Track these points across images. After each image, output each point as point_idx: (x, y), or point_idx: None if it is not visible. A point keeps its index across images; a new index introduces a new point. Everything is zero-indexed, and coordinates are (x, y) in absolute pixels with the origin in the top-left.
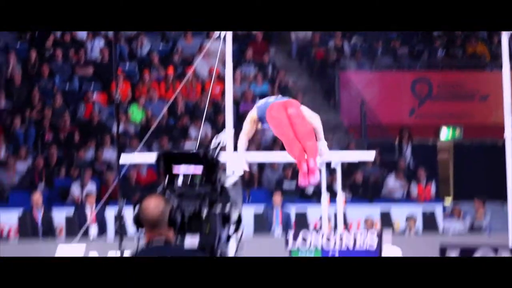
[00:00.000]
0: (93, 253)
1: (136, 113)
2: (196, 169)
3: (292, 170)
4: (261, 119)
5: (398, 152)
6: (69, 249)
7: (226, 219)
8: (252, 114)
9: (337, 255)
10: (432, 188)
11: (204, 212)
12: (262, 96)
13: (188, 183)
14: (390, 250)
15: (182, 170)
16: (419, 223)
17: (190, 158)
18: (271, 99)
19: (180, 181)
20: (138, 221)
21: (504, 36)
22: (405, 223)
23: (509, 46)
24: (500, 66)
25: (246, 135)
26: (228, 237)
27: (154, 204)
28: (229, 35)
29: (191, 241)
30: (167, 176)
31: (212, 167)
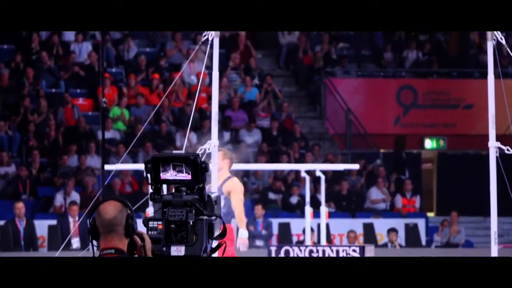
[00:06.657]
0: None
1: (119, 113)
2: (185, 175)
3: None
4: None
5: (382, 162)
6: None
7: (211, 230)
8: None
9: None
10: (417, 200)
11: (191, 221)
12: (251, 102)
13: (175, 190)
14: None
15: (170, 175)
16: (402, 235)
17: (179, 161)
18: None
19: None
20: (93, 229)
21: (490, 44)
22: (387, 236)
23: (494, 54)
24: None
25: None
26: (212, 250)
27: (110, 207)
28: (216, 39)
29: (177, 251)
30: (154, 183)
31: (201, 172)
